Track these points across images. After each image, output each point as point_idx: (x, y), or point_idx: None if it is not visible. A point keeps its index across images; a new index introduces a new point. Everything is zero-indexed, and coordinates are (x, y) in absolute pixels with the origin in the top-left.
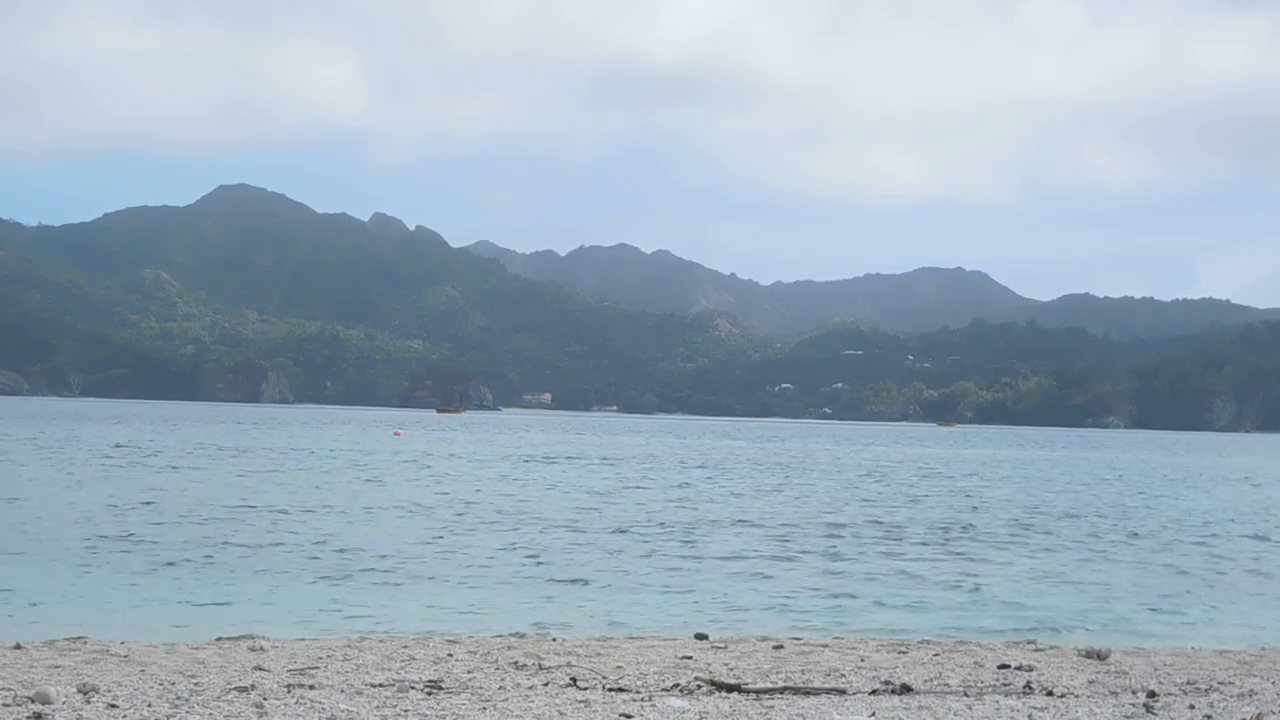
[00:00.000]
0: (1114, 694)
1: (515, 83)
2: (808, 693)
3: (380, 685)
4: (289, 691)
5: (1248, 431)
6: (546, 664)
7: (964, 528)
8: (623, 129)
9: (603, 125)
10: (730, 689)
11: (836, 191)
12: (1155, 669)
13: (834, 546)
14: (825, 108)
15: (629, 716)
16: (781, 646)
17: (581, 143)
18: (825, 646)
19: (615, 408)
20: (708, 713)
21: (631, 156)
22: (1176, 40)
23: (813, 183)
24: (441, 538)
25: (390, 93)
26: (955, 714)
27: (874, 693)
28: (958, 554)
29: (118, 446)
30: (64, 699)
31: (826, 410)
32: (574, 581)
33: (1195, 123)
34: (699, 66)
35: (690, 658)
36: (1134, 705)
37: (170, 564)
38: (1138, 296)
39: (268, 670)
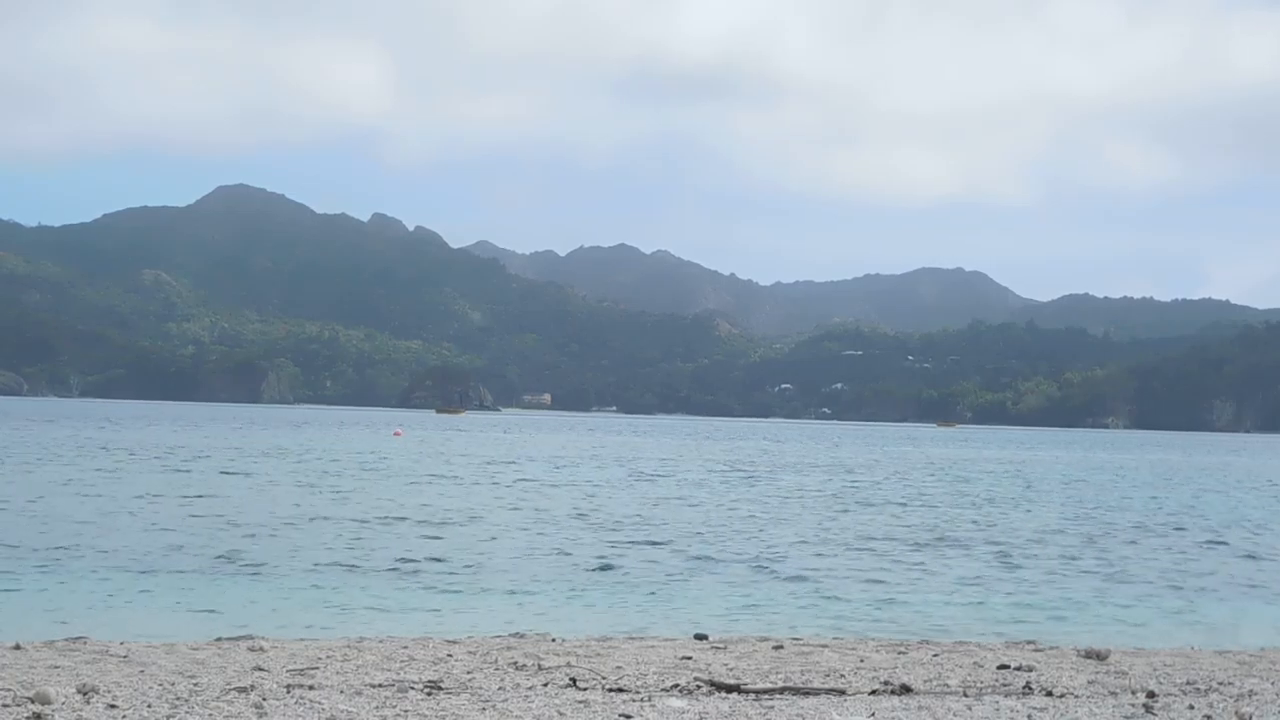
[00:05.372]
0: (1114, 694)
1: (538, 82)
2: (807, 693)
3: (380, 685)
4: (288, 692)
5: (1247, 432)
6: (546, 664)
7: (974, 531)
8: (645, 129)
9: (625, 125)
10: (730, 689)
11: (855, 192)
12: (1155, 669)
13: (840, 548)
14: (850, 107)
15: (628, 717)
16: (781, 647)
17: (603, 143)
18: (825, 647)
19: (615, 408)
20: (707, 713)
21: (651, 158)
22: (1213, 36)
23: (830, 184)
24: (440, 540)
25: (412, 93)
26: (955, 714)
27: (874, 693)
28: (964, 555)
29: (114, 448)
30: (64, 699)
31: (826, 410)
32: (574, 582)
33: (1226, 121)
34: (724, 65)
35: (690, 658)
36: (1133, 706)
37: (170, 564)
38: (1137, 296)
39: (267, 670)
